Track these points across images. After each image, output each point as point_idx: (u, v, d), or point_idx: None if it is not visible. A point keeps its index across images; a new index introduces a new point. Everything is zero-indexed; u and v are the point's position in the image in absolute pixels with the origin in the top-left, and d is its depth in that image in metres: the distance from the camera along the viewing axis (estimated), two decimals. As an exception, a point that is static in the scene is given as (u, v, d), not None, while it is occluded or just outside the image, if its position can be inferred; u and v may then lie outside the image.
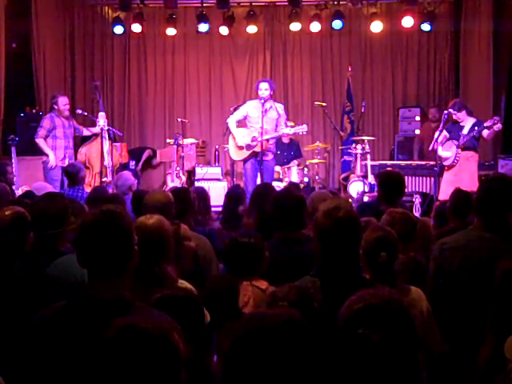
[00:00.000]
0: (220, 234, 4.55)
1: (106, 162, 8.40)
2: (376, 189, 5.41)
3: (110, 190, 6.61)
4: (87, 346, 1.88)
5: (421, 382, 1.79)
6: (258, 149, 7.86)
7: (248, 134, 8.04)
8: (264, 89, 7.88)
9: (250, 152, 8.01)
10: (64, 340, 1.94)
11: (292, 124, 8.88)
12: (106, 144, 8.45)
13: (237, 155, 8.22)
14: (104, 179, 8.28)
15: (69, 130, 8.51)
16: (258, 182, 7.93)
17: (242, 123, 8.29)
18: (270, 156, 8.10)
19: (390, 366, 1.70)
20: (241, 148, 8.07)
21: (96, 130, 8.55)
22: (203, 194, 5.06)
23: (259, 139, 7.79)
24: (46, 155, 8.29)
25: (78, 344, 1.91)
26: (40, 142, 8.33)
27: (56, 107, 8.43)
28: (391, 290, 1.95)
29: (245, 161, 8.15)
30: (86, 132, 8.86)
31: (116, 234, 2.03)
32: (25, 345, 2.01)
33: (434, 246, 3.24)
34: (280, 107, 8.12)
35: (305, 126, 8.20)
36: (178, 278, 2.92)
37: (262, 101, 7.84)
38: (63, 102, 8.45)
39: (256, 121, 7.93)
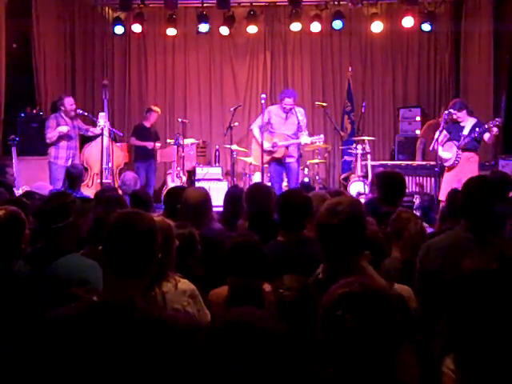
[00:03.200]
0: (222, 235, 4.51)
1: (104, 164, 8.35)
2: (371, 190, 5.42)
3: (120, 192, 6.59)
4: (103, 350, 1.91)
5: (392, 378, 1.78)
6: (278, 155, 8.28)
7: (269, 140, 8.30)
8: (289, 104, 8.23)
9: (270, 157, 8.31)
10: (77, 345, 1.93)
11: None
12: (106, 144, 8.43)
13: (258, 160, 8.44)
14: (105, 180, 8.24)
15: (73, 131, 8.51)
16: (284, 184, 8.58)
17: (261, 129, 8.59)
18: (293, 158, 8.38)
19: (362, 353, 1.70)
20: (265, 152, 8.35)
21: (97, 131, 8.53)
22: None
23: (279, 144, 8.23)
24: (57, 142, 8.38)
25: (92, 349, 1.92)
26: (49, 137, 8.37)
27: (63, 108, 8.50)
28: (381, 283, 1.94)
29: (269, 164, 8.46)
30: (90, 133, 8.84)
31: (142, 236, 2.05)
32: (33, 345, 2.00)
33: (421, 247, 3.25)
34: (300, 112, 8.35)
35: (322, 136, 8.56)
36: (177, 279, 2.92)
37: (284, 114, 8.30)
38: (70, 102, 8.50)
39: (277, 127, 8.30)
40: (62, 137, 8.37)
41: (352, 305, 1.73)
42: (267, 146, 8.29)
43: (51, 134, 8.38)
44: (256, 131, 8.45)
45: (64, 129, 8.35)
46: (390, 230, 3.61)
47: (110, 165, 8.45)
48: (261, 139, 8.28)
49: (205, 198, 4.33)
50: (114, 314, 1.97)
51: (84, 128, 8.75)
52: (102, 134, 8.39)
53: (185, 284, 2.94)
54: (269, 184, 8.30)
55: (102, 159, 8.35)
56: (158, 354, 1.92)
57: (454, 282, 2.13)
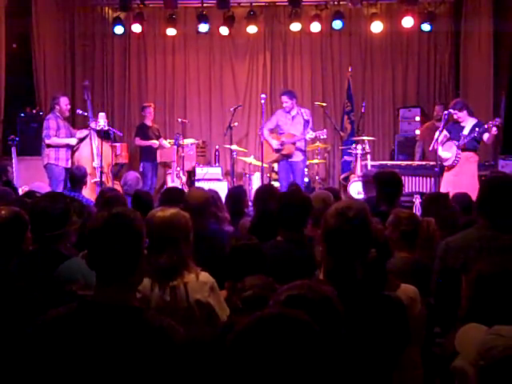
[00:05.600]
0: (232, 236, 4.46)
1: (95, 163, 8.27)
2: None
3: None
4: (97, 352, 1.90)
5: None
6: (285, 151, 8.68)
7: (278, 140, 8.76)
8: (284, 101, 8.76)
9: (277, 155, 8.77)
10: (72, 346, 1.92)
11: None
12: (96, 144, 8.33)
13: (268, 158, 8.88)
14: (94, 180, 8.12)
15: (68, 131, 8.44)
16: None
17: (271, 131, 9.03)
18: (300, 157, 8.74)
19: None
20: (273, 151, 8.81)
21: (84, 133, 8.37)
22: (217, 196, 5.01)
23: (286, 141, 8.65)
24: (62, 146, 8.23)
25: (86, 350, 1.91)
26: (53, 140, 8.17)
27: (58, 107, 8.29)
28: (332, 290, 1.93)
29: (278, 163, 9.05)
30: (78, 135, 8.64)
31: (126, 237, 2.00)
32: (28, 346, 1.99)
33: (439, 245, 3.27)
34: (305, 112, 8.77)
35: (325, 130, 8.99)
36: (197, 271, 2.95)
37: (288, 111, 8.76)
38: (65, 102, 8.36)
39: (286, 128, 8.75)
40: (60, 138, 8.24)
41: (296, 307, 1.70)
42: (275, 144, 8.70)
43: (58, 140, 8.17)
44: (266, 133, 8.82)
45: (73, 141, 8.29)
46: (393, 231, 3.55)
47: (99, 163, 8.29)
48: (269, 139, 8.75)
49: (206, 199, 4.26)
50: (107, 317, 1.95)
51: (73, 133, 8.64)
52: (91, 136, 8.30)
53: (205, 276, 2.97)
54: (276, 183, 8.57)
55: (94, 159, 8.28)
56: (150, 359, 1.91)
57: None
